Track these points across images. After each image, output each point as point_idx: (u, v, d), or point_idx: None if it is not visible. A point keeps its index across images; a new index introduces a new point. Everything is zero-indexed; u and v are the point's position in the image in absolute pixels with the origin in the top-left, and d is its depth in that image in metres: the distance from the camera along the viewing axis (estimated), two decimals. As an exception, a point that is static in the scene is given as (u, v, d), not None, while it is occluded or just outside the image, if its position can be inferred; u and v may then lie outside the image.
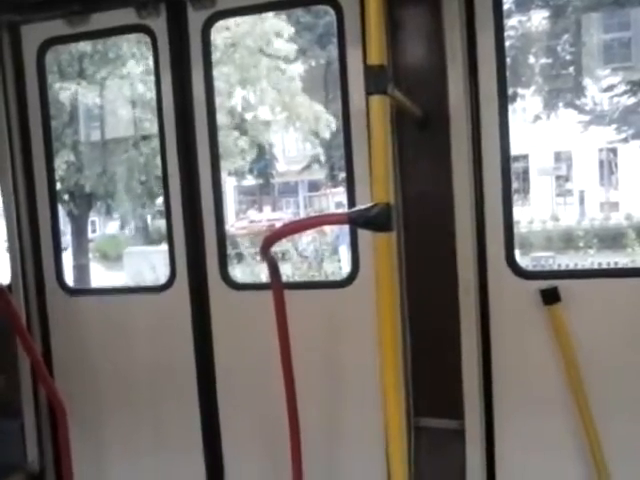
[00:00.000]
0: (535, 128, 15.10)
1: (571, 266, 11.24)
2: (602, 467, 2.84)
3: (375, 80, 2.13)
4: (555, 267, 11.66)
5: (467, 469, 3.03)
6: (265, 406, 3.24)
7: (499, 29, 2.96)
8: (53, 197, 3.76)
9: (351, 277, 3.23)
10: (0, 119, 3.64)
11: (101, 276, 13.35)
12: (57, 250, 3.75)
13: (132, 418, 3.64)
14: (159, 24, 3.44)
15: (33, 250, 3.71)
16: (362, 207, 2.18)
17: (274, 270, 2.68)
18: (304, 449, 2.94)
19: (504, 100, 2.99)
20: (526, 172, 17.67)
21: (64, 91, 10.12)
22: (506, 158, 2.98)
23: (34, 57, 3.64)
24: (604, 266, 9.51)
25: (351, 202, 3.17)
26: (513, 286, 3.01)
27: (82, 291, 3.91)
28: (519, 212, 16.07)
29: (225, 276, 3.45)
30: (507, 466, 3.05)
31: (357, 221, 2.17)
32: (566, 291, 2.88)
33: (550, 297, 2.87)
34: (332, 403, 3.28)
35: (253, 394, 3.38)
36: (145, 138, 10.85)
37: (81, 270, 11.72)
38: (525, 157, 17.32)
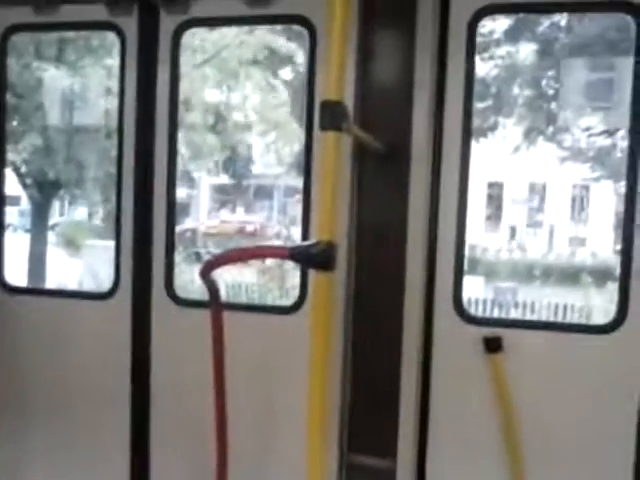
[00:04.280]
0: (513, 158, 15.21)
1: (529, 302, 11.34)
2: None
3: (330, 116, 2.08)
4: (519, 299, 11.73)
5: None
6: (197, 425, 3.17)
7: (470, 66, 2.94)
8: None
9: (298, 304, 3.17)
10: None
11: (61, 263, 13.05)
12: None
13: (60, 428, 3.53)
14: (129, 24, 3.36)
15: None
16: (304, 243, 2.12)
17: (215, 295, 2.61)
18: (232, 474, 2.88)
19: (468, 138, 2.97)
20: (500, 199, 17.80)
21: (41, 72, 9.88)
22: (463, 203, 2.96)
23: None
24: (556, 303, 9.68)
25: (305, 234, 3.12)
26: (458, 330, 2.99)
27: (23, 290, 3.79)
28: (488, 239, 16.17)
29: (170, 291, 3.36)
30: None
31: (298, 257, 2.10)
32: (510, 341, 2.87)
33: (493, 345, 2.86)
34: (264, 433, 3.22)
35: (186, 415, 3.31)
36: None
37: (37, 257, 11.45)
38: (500, 185, 17.45)
